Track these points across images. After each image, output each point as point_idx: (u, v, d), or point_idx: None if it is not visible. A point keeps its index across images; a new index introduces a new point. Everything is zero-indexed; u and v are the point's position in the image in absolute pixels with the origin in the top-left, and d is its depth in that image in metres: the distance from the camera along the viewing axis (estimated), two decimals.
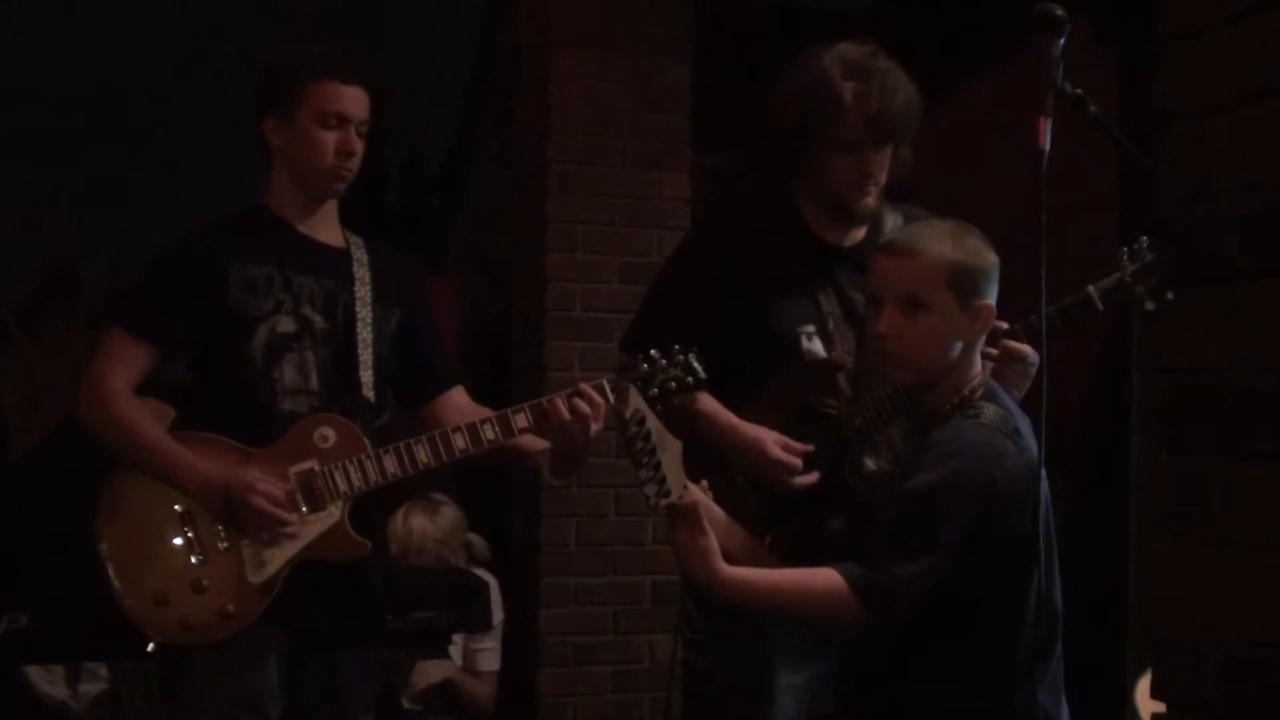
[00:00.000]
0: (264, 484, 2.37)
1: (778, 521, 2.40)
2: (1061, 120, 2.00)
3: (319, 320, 2.50)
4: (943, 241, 2.09)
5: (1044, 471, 2.04)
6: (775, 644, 2.44)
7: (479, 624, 4.03)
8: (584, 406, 2.39)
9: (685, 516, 1.99)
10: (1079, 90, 2.10)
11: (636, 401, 2.01)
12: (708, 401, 2.49)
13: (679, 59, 4.31)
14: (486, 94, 7.49)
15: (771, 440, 2.40)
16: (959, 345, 2.08)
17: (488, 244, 6.22)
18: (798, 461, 2.39)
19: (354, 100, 2.50)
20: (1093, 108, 2.16)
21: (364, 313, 2.54)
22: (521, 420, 2.45)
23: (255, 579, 2.39)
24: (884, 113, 2.41)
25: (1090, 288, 2.41)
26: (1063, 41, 2.01)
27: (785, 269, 2.52)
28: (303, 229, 2.56)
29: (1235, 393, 1.41)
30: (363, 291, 2.55)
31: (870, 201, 2.51)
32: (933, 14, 5.18)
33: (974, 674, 2.04)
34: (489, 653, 4.09)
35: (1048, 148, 1.96)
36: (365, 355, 2.53)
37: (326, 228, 2.60)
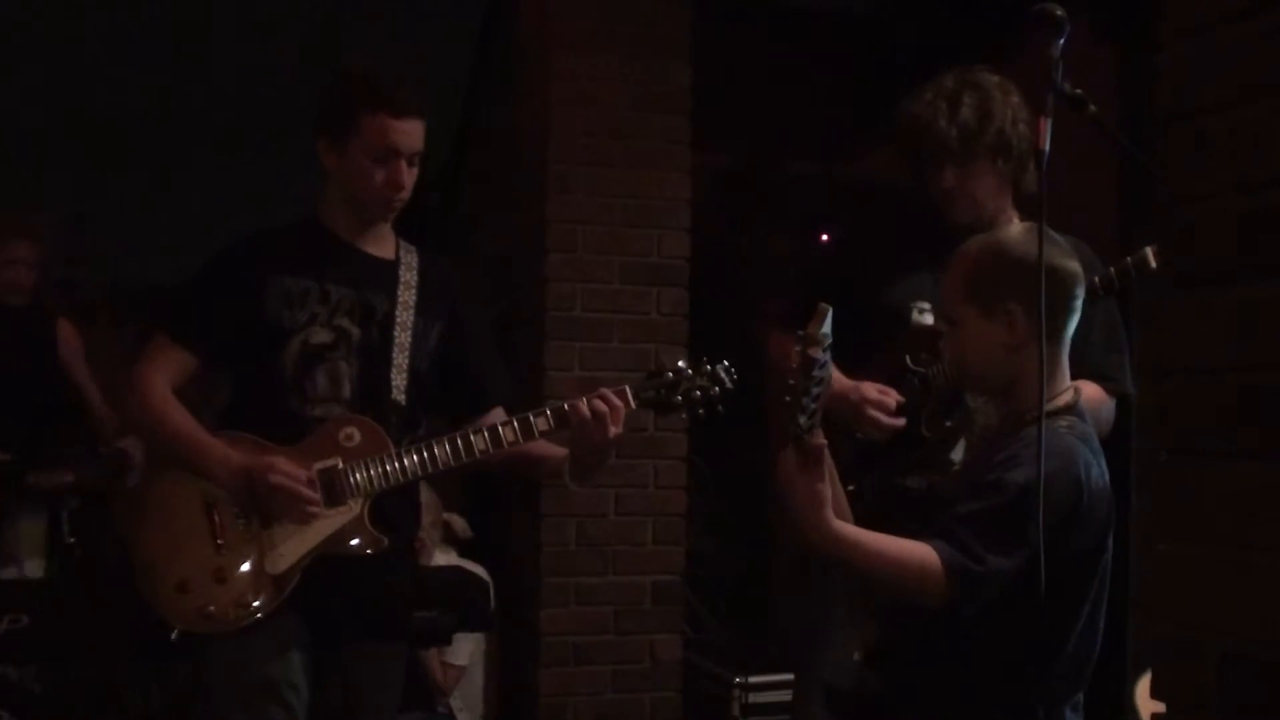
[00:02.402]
0: (284, 464, 2.42)
1: (860, 471, 2.56)
2: (1061, 120, 2.00)
3: (355, 331, 2.53)
4: (963, 257, 2.10)
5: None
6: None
7: (480, 624, 4.03)
8: (603, 407, 2.44)
9: (811, 457, 1.90)
10: (1079, 90, 2.10)
11: (829, 325, 1.89)
12: None
13: (679, 59, 4.30)
14: (486, 94, 7.48)
15: (868, 384, 2.59)
16: (999, 353, 2.05)
17: (488, 244, 6.22)
18: (890, 402, 2.57)
19: (407, 134, 2.49)
20: (1093, 108, 2.16)
21: (404, 324, 2.56)
22: (542, 423, 2.49)
23: (274, 570, 2.43)
24: (939, 135, 2.57)
25: (1148, 248, 2.46)
26: (1063, 41, 2.01)
27: (913, 252, 2.69)
28: (351, 240, 2.60)
29: (1235, 393, 1.41)
30: (406, 302, 2.57)
31: (964, 217, 2.61)
32: (932, 14, 5.18)
33: (1006, 681, 2.01)
34: (463, 646, 4.10)
35: (1048, 148, 1.96)
36: (401, 365, 2.55)
37: (377, 239, 2.63)
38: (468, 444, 2.48)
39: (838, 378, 2.64)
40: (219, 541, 2.44)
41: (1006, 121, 2.59)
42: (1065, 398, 2.06)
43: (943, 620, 1.97)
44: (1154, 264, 2.44)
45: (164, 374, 2.51)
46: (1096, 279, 2.50)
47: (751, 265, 5.90)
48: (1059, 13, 2.00)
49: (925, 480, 2.54)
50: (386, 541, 2.48)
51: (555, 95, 4.20)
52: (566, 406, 2.47)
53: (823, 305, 1.90)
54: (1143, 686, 3.51)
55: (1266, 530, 1.36)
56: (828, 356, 1.89)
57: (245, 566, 2.44)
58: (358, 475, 2.46)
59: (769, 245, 6.00)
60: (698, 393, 2.53)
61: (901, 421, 2.58)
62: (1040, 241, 1.93)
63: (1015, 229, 2.16)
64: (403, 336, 2.55)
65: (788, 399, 1.90)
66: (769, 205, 6.14)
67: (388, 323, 2.55)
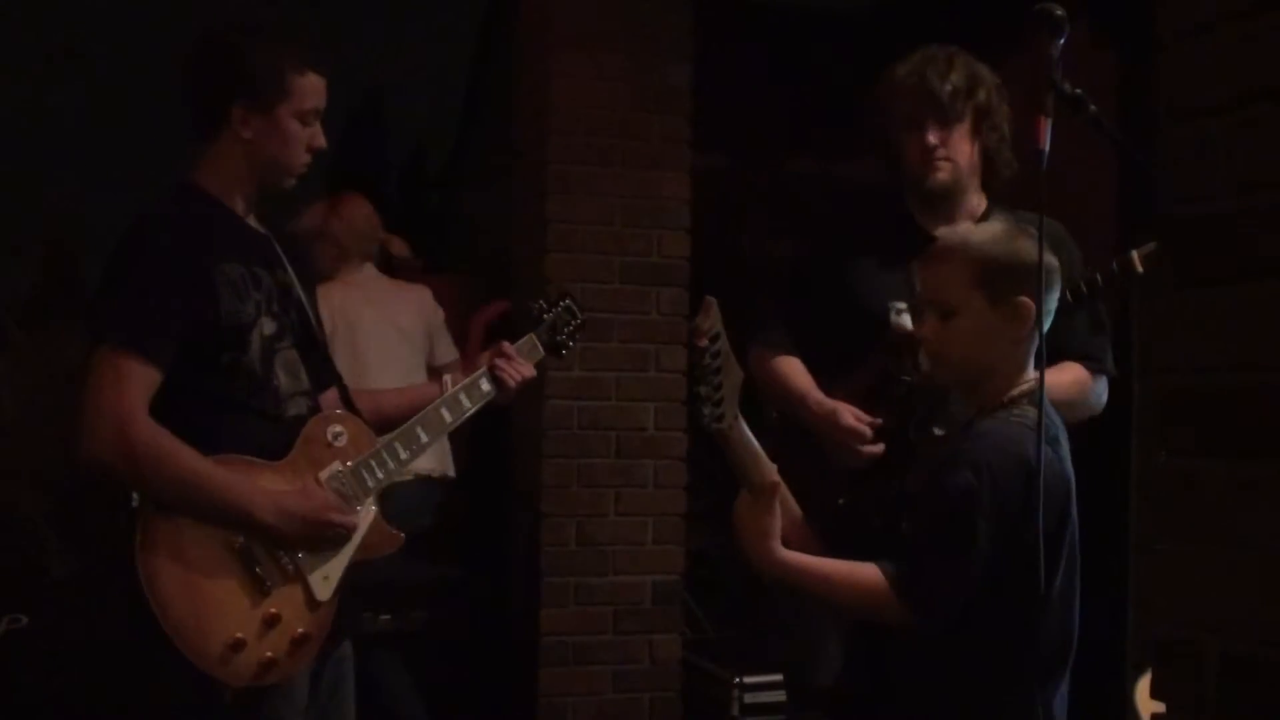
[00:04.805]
0: (338, 502, 2.32)
1: (852, 483, 2.58)
2: (1061, 120, 2.00)
3: (282, 315, 2.39)
4: (972, 244, 2.11)
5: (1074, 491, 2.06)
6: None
7: (457, 624, 4.03)
8: (521, 364, 2.61)
9: (761, 494, 2.02)
10: (1079, 90, 2.10)
11: (716, 318, 2.00)
12: (799, 378, 2.71)
13: (679, 59, 4.31)
14: (486, 94, 7.49)
15: (845, 409, 2.59)
16: (999, 344, 2.08)
17: (488, 244, 6.22)
18: (867, 430, 2.57)
19: (325, 92, 2.41)
20: (1093, 108, 2.16)
21: (305, 300, 2.46)
22: (485, 384, 2.58)
23: (324, 595, 2.31)
24: (929, 89, 2.59)
25: (1134, 251, 2.45)
26: (1062, 41, 2.01)
27: (885, 253, 2.68)
28: (244, 215, 2.41)
29: (1235, 393, 1.41)
30: (292, 277, 2.45)
31: (943, 177, 2.64)
32: (932, 14, 5.18)
33: (978, 672, 2.03)
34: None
35: (1048, 148, 1.96)
36: (323, 342, 2.49)
37: (252, 212, 2.45)
38: (439, 418, 2.50)
39: (818, 400, 2.66)
40: (261, 585, 2.24)
41: (992, 94, 2.63)
42: (1024, 387, 2.08)
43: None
44: (1140, 269, 2.43)
45: (145, 405, 2.18)
46: (1082, 283, 2.50)
47: (752, 265, 5.90)
48: (1059, 13, 1.99)
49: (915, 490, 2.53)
50: (404, 537, 2.43)
51: (555, 95, 4.20)
52: (494, 370, 2.57)
53: (708, 298, 2.01)
54: (1143, 686, 3.51)
55: (1266, 530, 1.36)
56: (719, 346, 1.99)
57: (296, 602, 2.28)
58: (365, 476, 2.38)
59: (769, 245, 6.01)
60: (569, 327, 2.76)
61: (880, 448, 2.58)
62: (1040, 242, 1.94)
63: (1004, 226, 2.16)
64: (311, 314, 2.46)
65: (691, 392, 2.01)
66: (769, 205, 6.14)
67: (299, 302, 2.44)
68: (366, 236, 4.23)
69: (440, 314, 4.37)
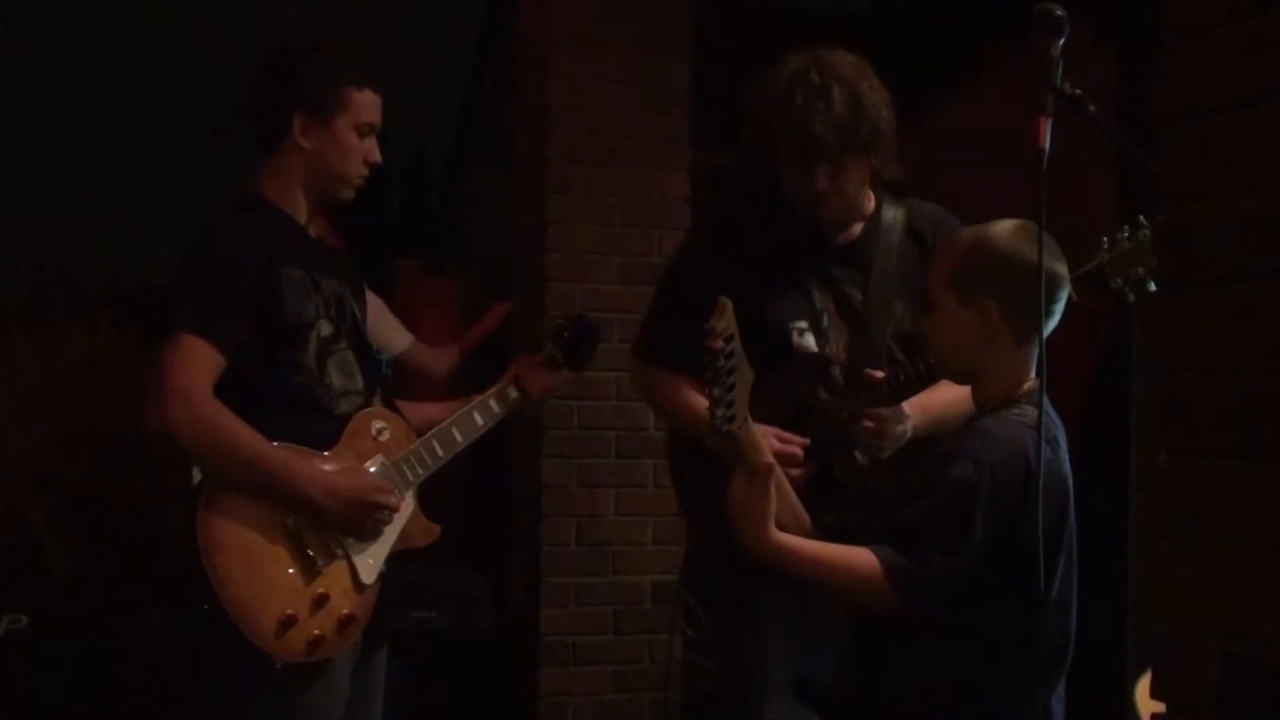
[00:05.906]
0: (385, 483, 2.44)
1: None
2: (1061, 120, 2.00)
3: (339, 319, 2.50)
4: (953, 246, 2.13)
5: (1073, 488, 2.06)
6: (772, 640, 2.50)
7: (478, 626, 4.02)
8: (545, 375, 2.78)
9: (756, 476, 2.00)
10: (1079, 90, 2.10)
11: (730, 319, 1.98)
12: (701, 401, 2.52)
13: (679, 59, 4.31)
14: (486, 94, 7.50)
15: (769, 434, 2.43)
16: (970, 343, 2.08)
17: (488, 244, 6.22)
18: (797, 452, 2.47)
19: (381, 109, 2.52)
20: (1092, 108, 2.16)
21: (355, 307, 2.57)
22: (513, 392, 2.73)
23: (368, 579, 2.43)
24: (813, 133, 2.45)
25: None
26: (1063, 42, 2.01)
27: (779, 265, 2.59)
28: (305, 224, 2.53)
29: (1235, 393, 1.41)
30: (343, 283, 2.56)
31: (835, 214, 2.57)
32: (932, 14, 5.18)
33: (976, 673, 2.03)
34: None
35: (1048, 148, 1.96)
36: (371, 347, 2.61)
37: (314, 222, 2.57)
38: (472, 420, 2.62)
39: None
40: (313, 565, 2.35)
41: (876, 111, 2.50)
42: (1025, 387, 2.09)
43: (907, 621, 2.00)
44: (1073, 297, 2.40)
45: (210, 384, 2.30)
46: None
47: None
48: (1059, 13, 1.99)
49: (844, 518, 2.38)
50: (439, 529, 2.54)
51: (555, 95, 4.20)
52: (524, 381, 2.73)
53: (723, 299, 1.99)
54: (1143, 686, 3.51)
55: (1266, 530, 1.36)
56: (733, 347, 1.97)
57: (341, 584, 2.39)
58: (405, 470, 2.50)
59: None
60: (584, 345, 2.87)
61: (808, 470, 2.47)
62: (1040, 242, 1.94)
63: (1005, 225, 2.15)
64: (360, 319, 2.57)
65: (706, 393, 2.01)
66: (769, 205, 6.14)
67: (351, 307, 2.54)
68: None
69: (377, 303, 4.24)
